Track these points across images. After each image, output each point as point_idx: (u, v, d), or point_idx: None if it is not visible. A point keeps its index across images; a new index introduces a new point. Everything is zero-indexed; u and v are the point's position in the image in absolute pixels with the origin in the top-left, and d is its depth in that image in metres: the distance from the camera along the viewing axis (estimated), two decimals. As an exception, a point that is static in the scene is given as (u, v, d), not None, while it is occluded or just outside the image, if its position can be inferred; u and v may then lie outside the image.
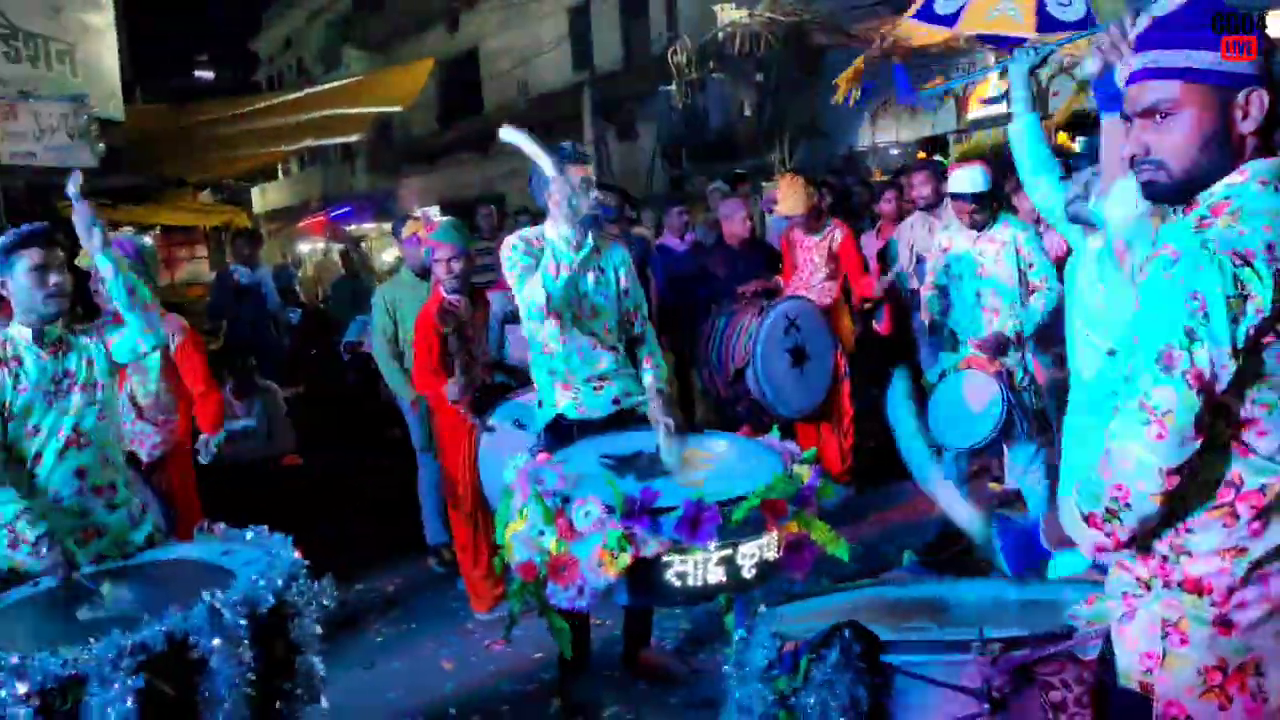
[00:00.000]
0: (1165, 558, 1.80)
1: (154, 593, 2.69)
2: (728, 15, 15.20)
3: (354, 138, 19.04)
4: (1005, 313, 5.02)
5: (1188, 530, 1.77)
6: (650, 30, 19.77)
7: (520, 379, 5.00)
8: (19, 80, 8.64)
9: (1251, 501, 1.74)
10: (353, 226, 26.42)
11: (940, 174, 6.33)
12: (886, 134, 15.49)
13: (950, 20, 6.98)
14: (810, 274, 6.49)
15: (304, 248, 27.21)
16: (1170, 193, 1.81)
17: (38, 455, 3.16)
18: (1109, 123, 2.77)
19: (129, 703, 2.10)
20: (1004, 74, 8.93)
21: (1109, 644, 1.94)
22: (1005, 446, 5.30)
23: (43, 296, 3.16)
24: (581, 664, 3.99)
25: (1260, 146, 1.77)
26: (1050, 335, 4.84)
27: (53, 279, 3.17)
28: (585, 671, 4.06)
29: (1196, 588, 1.77)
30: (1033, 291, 5.02)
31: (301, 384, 8.50)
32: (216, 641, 2.28)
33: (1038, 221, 5.42)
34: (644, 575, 3.04)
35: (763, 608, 2.44)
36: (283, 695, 2.55)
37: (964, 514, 2.28)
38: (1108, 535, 1.77)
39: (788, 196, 6.38)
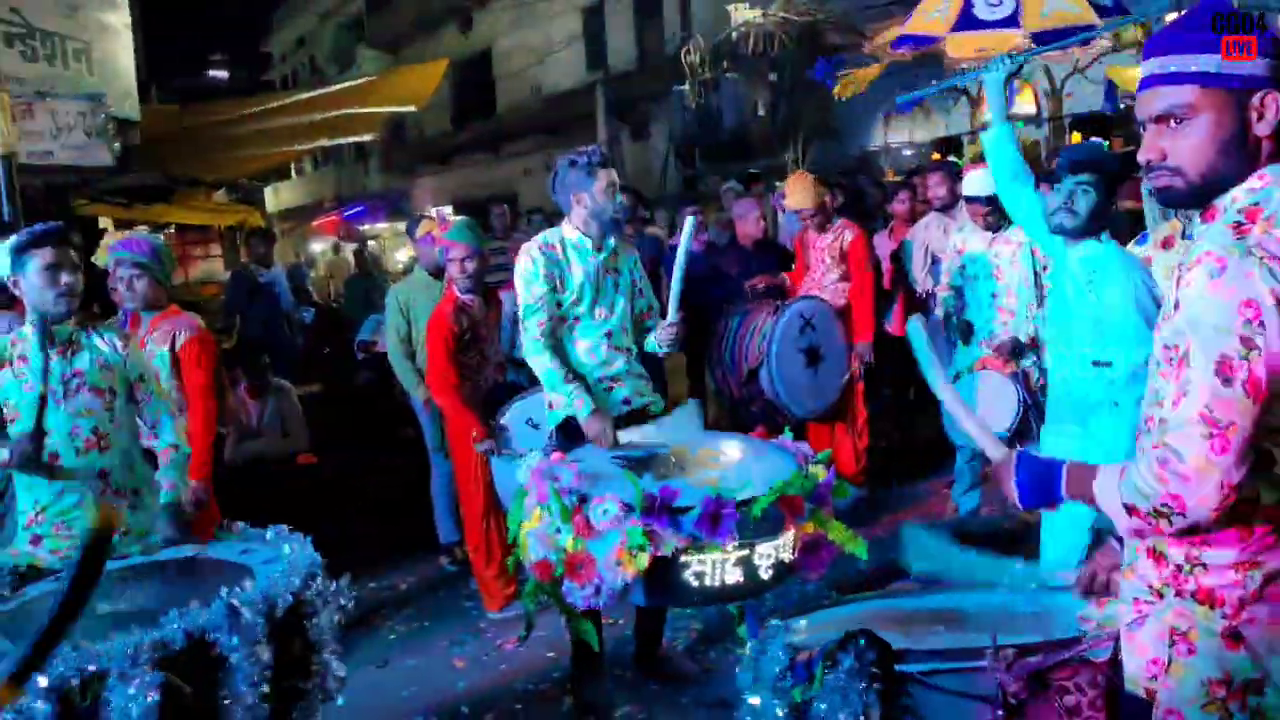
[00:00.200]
0: (1179, 567, 1.79)
1: (173, 590, 2.70)
2: (741, 15, 15.19)
3: (367, 138, 19.06)
4: (1020, 315, 5.01)
5: (1204, 541, 1.76)
6: (664, 30, 19.77)
7: (532, 377, 5.01)
8: (36, 79, 8.67)
9: (1268, 515, 1.72)
10: (366, 226, 26.50)
11: (956, 175, 6.32)
12: (900, 135, 15.47)
13: (1010, 22, 6.98)
14: (822, 274, 6.48)
15: (316, 247, 27.30)
16: (1186, 198, 1.80)
17: (54, 454, 3.18)
18: None
19: (149, 699, 2.12)
20: (1014, 77, 8.95)
21: (1119, 648, 1.94)
22: (1020, 448, 5.29)
23: (53, 296, 3.17)
24: (594, 663, 3.99)
25: (1276, 150, 1.75)
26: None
27: (64, 279, 3.18)
28: (597, 671, 4.07)
29: (1209, 599, 1.76)
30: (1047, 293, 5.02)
31: (317, 383, 8.52)
32: (235, 639, 2.30)
33: None
34: (661, 575, 3.04)
35: (775, 620, 2.44)
36: (300, 694, 2.56)
37: (976, 430, 2.23)
38: (1150, 526, 1.74)
39: (796, 190, 6.40)
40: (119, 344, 3.38)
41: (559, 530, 3.08)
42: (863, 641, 2.13)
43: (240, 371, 6.59)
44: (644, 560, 2.95)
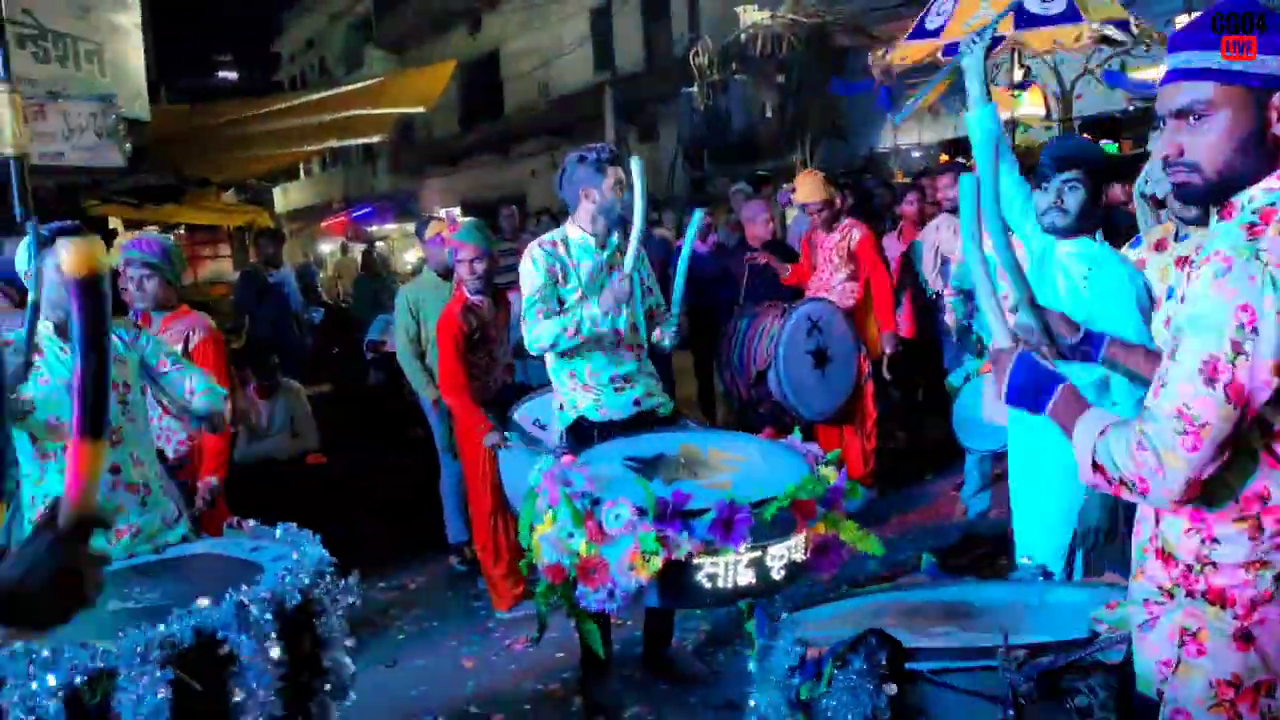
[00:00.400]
0: (1189, 567, 1.79)
1: (183, 587, 2.71)
2: (750, 16, 15.20)
3: (376, 139, 19.09)
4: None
5: (1213, 540, 1.76)
6: (672, 31, 19.78)
7: (540, 378, 5.02)
8: (48, 80, 8.70)
9: (1278, 515, 1.72)
10: (374, 227, 26.53)
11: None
12: (908, 136, 15.46)
13: (936, 33, 7.15)
14: (830, 274, 6.48)
15: (325, 247, 27.35)
16: (1203, 195, 1.80)
17: (66, 449, 3.19)
18: None
19: (159, 696, 2.12)
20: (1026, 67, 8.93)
21: (1131, 650, 1.94)
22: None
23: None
24: (603, 664, 3.99)
25: None
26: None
27: None
28: (606, 671, 4.07)
29: (1219, 599, 1.76)
30: None
31: (326, 383, 8.54)
32: (244, 637, 2.30)
33: None
34: (674, 577, 3.04)
35: (785, 614, 2.44)
36: (309, 692, 2.56)
37: (992, 308, 2.16)
38: (1109, 486, 1.79)
39: (805, 184, 6.47)
40: (131, 338, 3.41)
41: (571, 535, 3.08)
42: (873, 640, 2.13)
43: (249, 371, 6.60)
44: (657, 564, 2.95)
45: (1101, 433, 1.79)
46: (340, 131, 15.22)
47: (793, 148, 15.23)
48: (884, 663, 2.10)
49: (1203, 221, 3.55)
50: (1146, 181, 3.84)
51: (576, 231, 4.03)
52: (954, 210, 6.38)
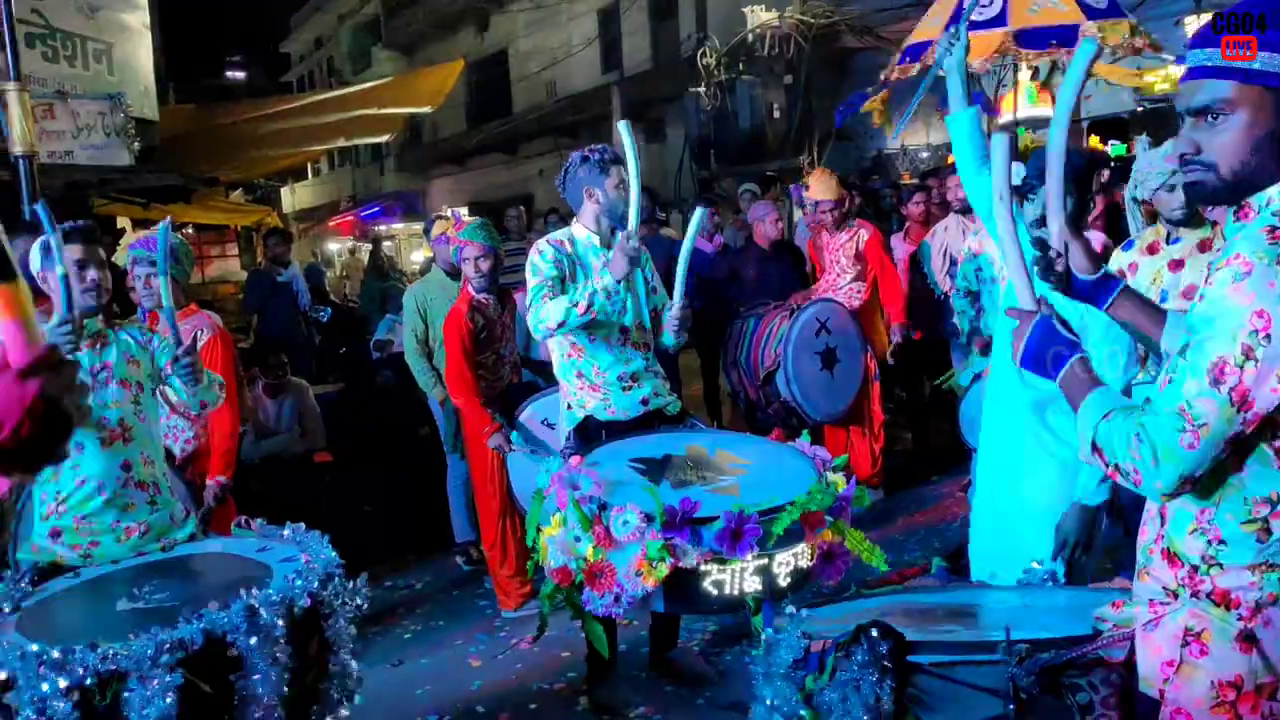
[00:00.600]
0: (1195, 567, 1.79)
1: (192, 588, 2.72)
2: (757, 17, 15.20)
3: (384, 139, 19.11)
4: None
5: (1220, 541, 1.76)
6: (679, 32, 19.77)
7: (548, 377, 5.02)
8: (56, 79, 8.74)
9: None
10: (382, 226, 26.60)
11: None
12: (916, 137, 15.43)
13: (998, 21, 6.99)
14: (838, 276, 6.48)
15: (333, 247, 27.41)
16: (1218, 194, 1.79)
17: (78, 444, 3.22)
18: None
19: (167, 699, 2.13)
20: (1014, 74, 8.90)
21: (1135, 648, 1.93)
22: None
23: (82, 291, 3.23)
24: (609, 664, 3.99)
25: None
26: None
27: (91, 274, 3.27)
28: (612, 671, 4.07)
29: (1224, 600, 1.76)
30: None
31: (334, 382, 8.54)
32: (254, 640, 2.31)
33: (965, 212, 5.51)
34: (681, 584, 3.04)
35: (791, 609, 2.44)
36: (316, 694, 2.57)
37: (1016, 265, 2.10)
38: (1104, 468, 1.80)
39: (819, 182, 6.51)
40: (144, 339, 3.43)
41: (579, 539, 3.08)
42: (875, 633, 2.13)
43: (257, 370, 6.61)
44: (664, 571, 2.95)
45: (1105, 415, 1.80)
46: (348, 131, 15.23)
47: (800, 148, 15.21)
48: (886, 655, 2.10)
49: (1190, 223, 3.55)
50: (1136, 186, 3.82)
51: (582, 231, 4.04)
52: (963, 210, 6.38)
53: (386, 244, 22.62)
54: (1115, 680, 2.07)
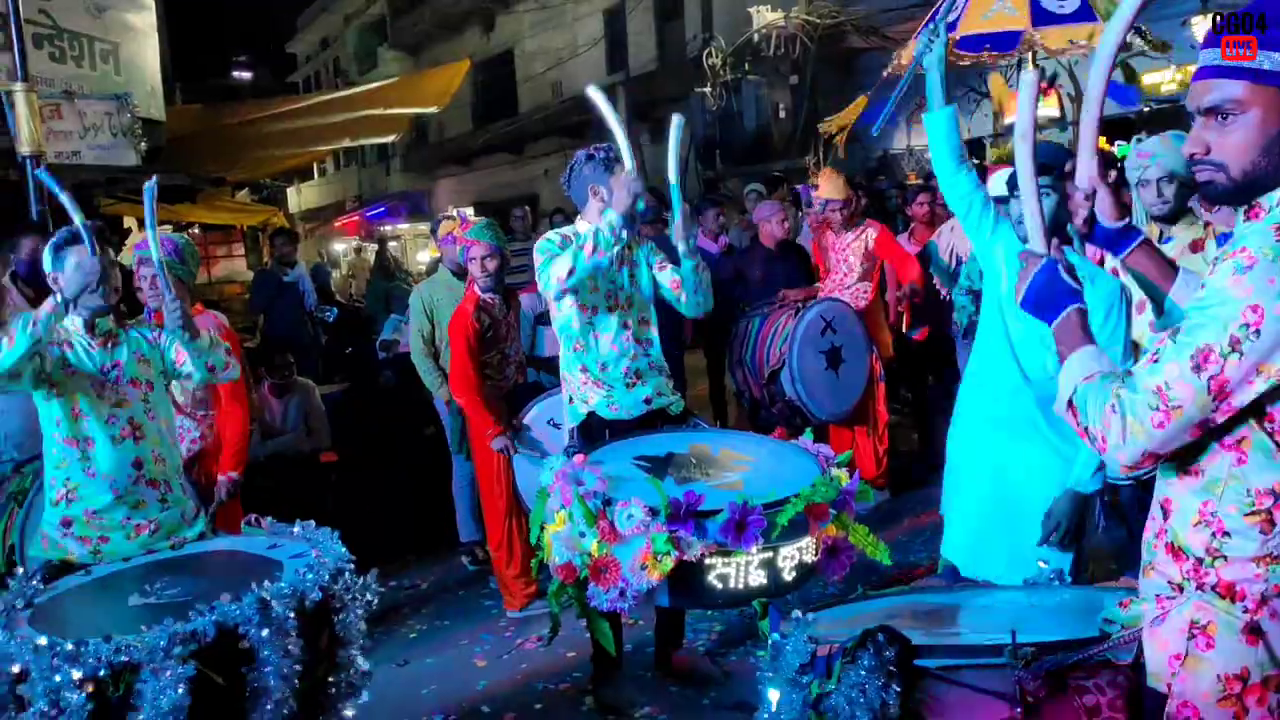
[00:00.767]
0: (1200, 560, 1.80)
1: (203, 583, 2.74)
2: (763, 17, 15.22)
3: (390, 139, 19.15)
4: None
5: (1224, 534, 1.77)
6: (685, 32, 19.79)
7: (554, 375, 5.03)
8: (63, 79, 8.76)
9: None
10: (387, 226, 26.63)
11: (982, 176, 6.30)
12: (922, 137, 15.41)
13: (950, 28, 7.04)
14: (844, 276, 6.49)
15: (338, 247, 27.44)
16: (1228, 194, 1.79)
17: (89, 439, 3.24)
18: None
19: (180, 690, 2.15)
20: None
21: (1142, 650, 1.94)
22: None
23: (89, 291, 3.25)
24: (614, 664, 4.00)
25: None
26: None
27: None
28: (618, 671, 4.08)
29: (1230, 592, 1.76)
30: None
31: (340, 382, 8.56)
32: (265, 632, 2.32)
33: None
34: (686, 578, 3.05)
35: (798, 613, 2.45)
36: (325, 688, 2.58)
37: (1032, 211, 2.08)
38: (1075, 427, 1.84)
39: (828, 181, 6.52)
40: (154, 337, 3.46)
41: (583, 534, 3.09)
42: (882, 637, 2.14)
43: (264, 370, 6.63)
44: (669, 564, 2.96)
45: (1088, 377, 1.84)
46: (354, 132, 15.27)
47: (805, 148, 15.22)
48: (892, 660, 2.11)
49: (1174, 220, 3.56)
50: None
51: (586, 228, 4.04)
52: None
53: (392, 244, 22.61)
54: (1122, 682, 2.08)
